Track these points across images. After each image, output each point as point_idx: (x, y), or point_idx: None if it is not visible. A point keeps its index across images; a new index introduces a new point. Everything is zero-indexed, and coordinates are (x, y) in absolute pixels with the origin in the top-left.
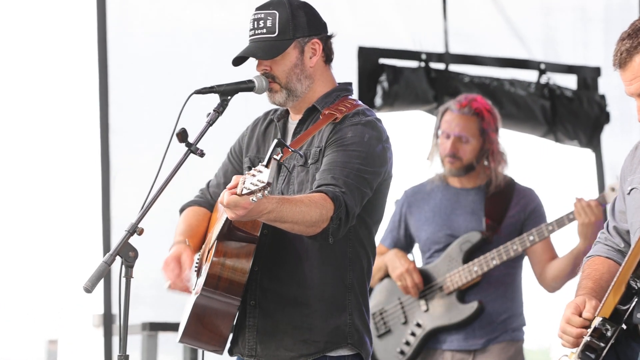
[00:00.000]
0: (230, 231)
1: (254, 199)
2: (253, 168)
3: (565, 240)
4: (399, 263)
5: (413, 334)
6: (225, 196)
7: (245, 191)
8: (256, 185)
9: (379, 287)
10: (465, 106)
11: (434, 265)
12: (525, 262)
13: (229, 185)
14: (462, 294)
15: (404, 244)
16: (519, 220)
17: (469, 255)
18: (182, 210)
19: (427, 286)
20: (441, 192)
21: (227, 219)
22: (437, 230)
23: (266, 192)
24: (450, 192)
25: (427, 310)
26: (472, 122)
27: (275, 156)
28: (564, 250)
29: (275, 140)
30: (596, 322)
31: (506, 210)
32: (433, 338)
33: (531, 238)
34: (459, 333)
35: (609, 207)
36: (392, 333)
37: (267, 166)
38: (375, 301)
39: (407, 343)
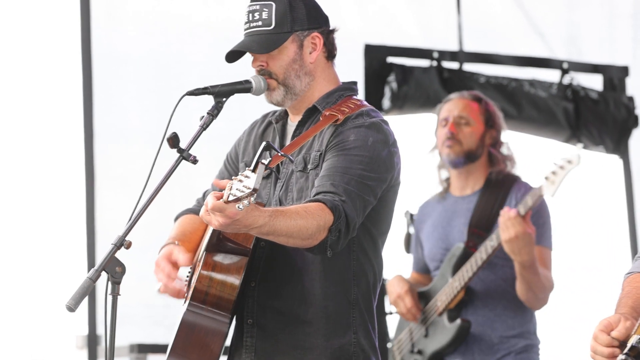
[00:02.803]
0: (220, 242)
1: (240, 206)
2: (240, 173)
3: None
4: (393, 289)
5: None
6: (209, 201)
7: (231, 197)
8: (242, 191)
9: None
10: (466, 94)
11: (432, 285)
12: None
13: (217, 180)
14: (454, 314)
15: (424, 265)
16: None
17: (456, 270)
18: (177, 218)
19: (425, 308)
20: (443, 204)
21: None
22: (433, 245)
23: (252, 199)
24: (449, 202)
25: (426, 335)
26: (475, 105)
27: (263, 160)
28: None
29: (264, 143)
30: (634, 340)
31: (497, 214)
32: None
33: (491, 243)
34: (457, 357)
35: None
36: None
37: (254, 171)
38: (396, 331)
39: None
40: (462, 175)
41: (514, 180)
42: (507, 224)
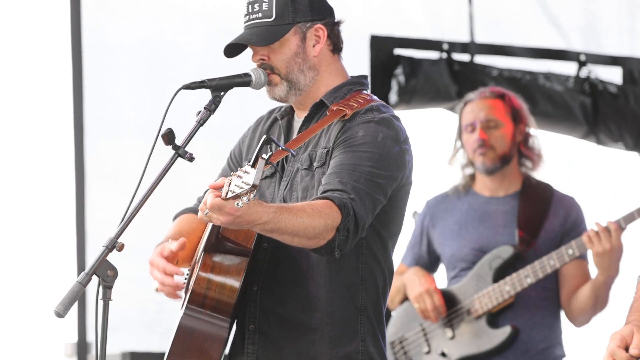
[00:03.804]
0: (219, 242)
1: (240, 203)
2: (239, 168)
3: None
4: (418, 282)
5: None
6: (208, 198)
7: (230, 194)
8: (241, 187)
9: (398, 311)
10: (487, 92)
11: (460, 286)
12: None
13: (212, 184)
14: (493, 318)
15: (427, 261)
16: (557, 233)
17: (500, 274)
18: (175, 218)
19: (451, 310)
20: (467, 201)
21: (214, 227)
22: (463, 245)
23: (252, 195)
24: (478, 201)
25: (452, 338)
26: (499, 104)
27: (263, 155)
28: None
29: (264, 137)
30: None
31: (543, 222)
32: None
33: (570, 252)
34: None
35: None
36: None
37: (253, 166)
38: (394, 328)
39: None
40: (496, 178)
41: (550, 188)
42: (602, 236)
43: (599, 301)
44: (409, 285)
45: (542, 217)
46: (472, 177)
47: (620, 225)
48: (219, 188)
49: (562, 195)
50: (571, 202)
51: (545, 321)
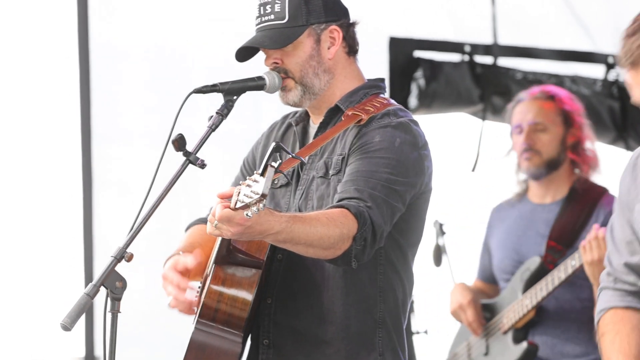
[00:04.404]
0: (230, 254)
1: (249, 213)
2: (248, 177)
3: None
4: (454, 298)
5: None
6: (217, 210)
7: (239, 204)
8: (250, 197)
9: (459, 327)
10: (538, 92)
11: (500, 298)
12: None
13: (220, 194)
14: (520, 333)
15: (490, 273)
16: None
17: (529, 286)
18: (188, 229)
19: (487, 324)
20: (518, 209)
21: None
22: (505, 255)
23: (262, 205)
24: (526, 208)
25: (486, 353)
26: (549, 106)
27: (272, 163)
28: None
29: (273, 144)
30: None
31: (582, 229)
32: None
33: (573, 263)
34: None
35: (607, 238)
36: None
37: (262, 175)
38: (452, 344)
39: None
40: (543, 183)
41: (601, 192)
42: (592, 244)
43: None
44: (450, 301)
45: (581, 224)
46: (526, 183)
47: None
48: (227, 197)
49: (610, 197)
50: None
51: (581, 335)
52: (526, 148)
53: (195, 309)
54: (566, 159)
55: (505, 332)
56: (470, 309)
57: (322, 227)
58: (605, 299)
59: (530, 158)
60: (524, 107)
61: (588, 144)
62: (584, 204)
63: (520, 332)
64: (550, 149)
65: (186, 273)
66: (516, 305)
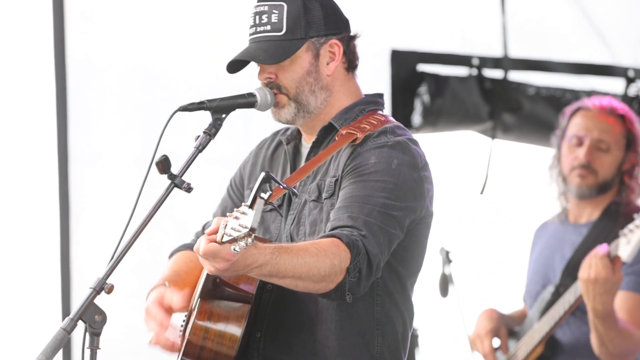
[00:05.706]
0: (216, 287)
1: (236, 248)
2: (235, 209)
3: None
4: (477, 324)
5: None
6: (202, 244)
7: (226, 238)
8: (238, 230)
9: None
10: (607, 107)
11: (523, 327)
12: None
13: (208, 230)
14: None
15: None
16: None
17: (541, 317)
18: (171, 255)
19: (508, 354)
20: (554, 228)
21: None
22: (532, 280)
23: (250, 240)
24: (560, 228)
25: None
26: (617, 126)
27: (262, 194)
28: None
29: (262, 174)
30: None
31: None
32: None
33: (569, 298)
34: None
35: None
36: None
37: (251, 207)
38: None
39: None
40: (583, 203)
41: (635, 211)
42: (591, 262)
43: (605, 338)
44: (475, 327)
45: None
46: (566, 197)
47: (609, 254)
48: (213, 233)
49: None
50: None
51: None
52: (584, 165)
53: (180, 345)
54: (617, 183)
55: None
56: (487, 340)
57: (310, 258)
58: None
59: (585, 176)
60: (588, 119)
61: (637, 171)
62: (614, 226)
63: None
64: (608, 171)
65: (170, 311)
66: (527, 339)
